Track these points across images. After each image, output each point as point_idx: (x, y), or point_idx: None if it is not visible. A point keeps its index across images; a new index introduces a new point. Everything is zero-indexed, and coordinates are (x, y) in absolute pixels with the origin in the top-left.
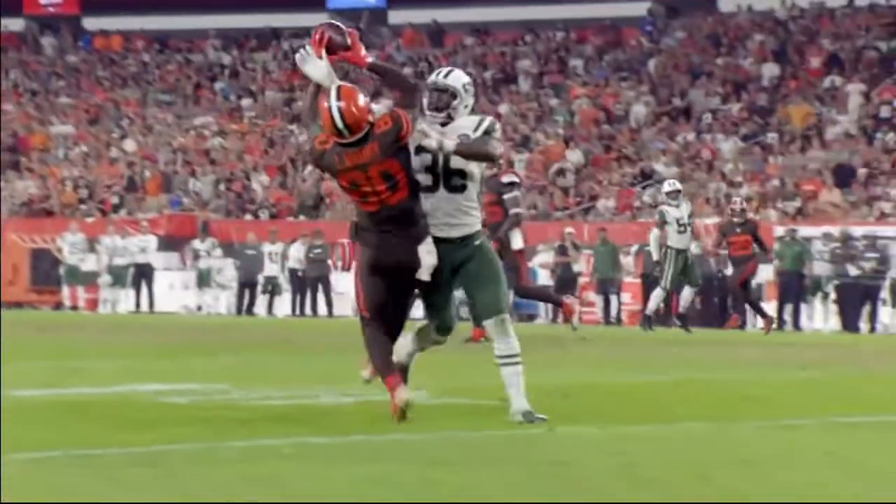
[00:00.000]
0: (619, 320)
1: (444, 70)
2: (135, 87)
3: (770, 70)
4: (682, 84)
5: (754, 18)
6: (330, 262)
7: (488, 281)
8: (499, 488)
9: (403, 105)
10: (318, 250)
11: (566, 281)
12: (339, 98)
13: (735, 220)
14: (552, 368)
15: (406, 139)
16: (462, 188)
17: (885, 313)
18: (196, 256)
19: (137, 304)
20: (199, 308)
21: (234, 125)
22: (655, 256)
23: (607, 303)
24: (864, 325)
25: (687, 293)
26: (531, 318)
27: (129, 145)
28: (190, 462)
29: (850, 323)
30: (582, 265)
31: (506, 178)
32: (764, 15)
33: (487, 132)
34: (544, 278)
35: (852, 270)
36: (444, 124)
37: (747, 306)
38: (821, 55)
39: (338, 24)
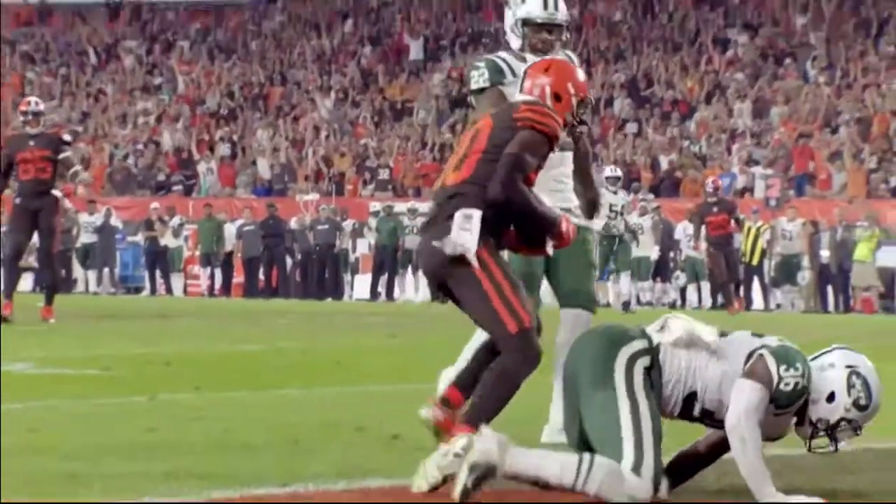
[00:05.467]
0: (227, 292)
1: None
2: None
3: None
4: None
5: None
6: None
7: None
8: (100, 454)
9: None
10: None
11: (155, 254)
12: None
13: (709, 200)
14: (156, 338)
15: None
16: None
17: None
18: None
19: None
20: None
21: None
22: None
23: (213, 276)
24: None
25: (624, 280)
26: (138, 290)
27: None
28: None
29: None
30: (169, 239)
31: None
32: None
33: None
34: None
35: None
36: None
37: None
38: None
39: None
